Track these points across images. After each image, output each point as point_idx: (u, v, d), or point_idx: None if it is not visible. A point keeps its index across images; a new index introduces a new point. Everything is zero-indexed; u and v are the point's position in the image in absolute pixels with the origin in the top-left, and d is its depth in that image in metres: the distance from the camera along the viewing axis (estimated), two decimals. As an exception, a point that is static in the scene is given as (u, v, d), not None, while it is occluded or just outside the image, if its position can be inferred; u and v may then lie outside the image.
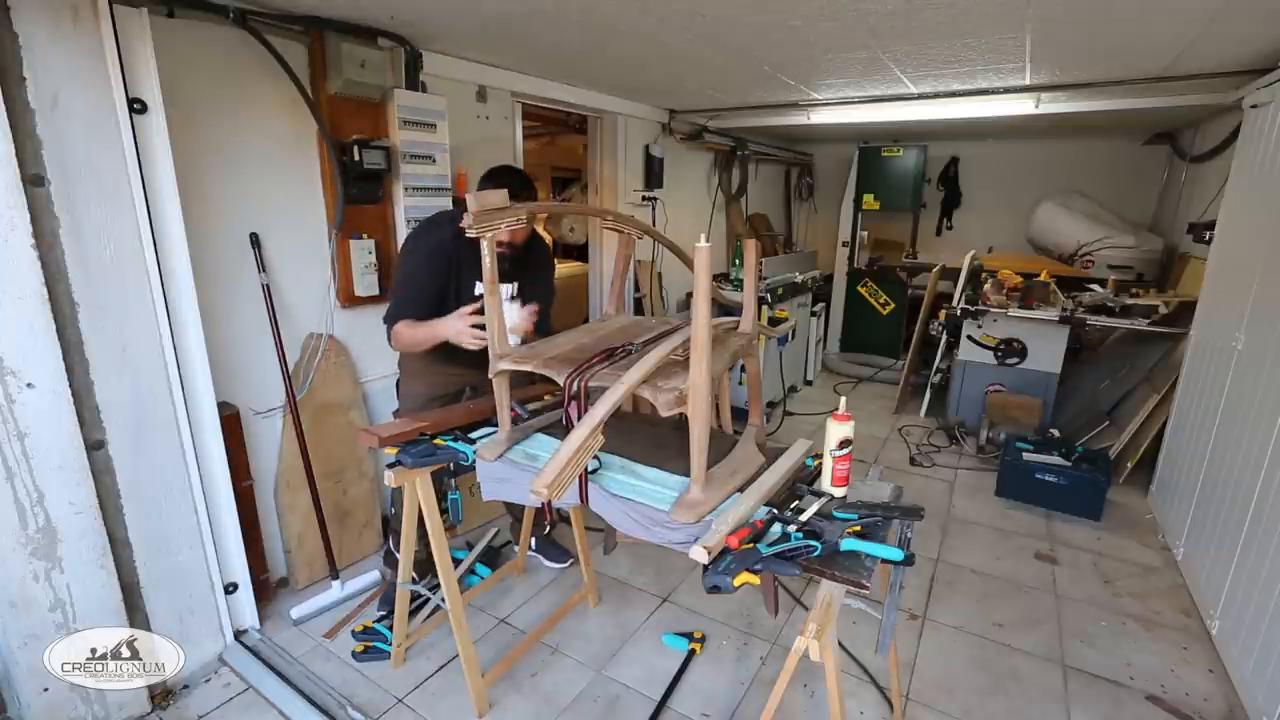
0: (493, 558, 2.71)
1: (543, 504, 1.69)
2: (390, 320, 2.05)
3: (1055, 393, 3.93)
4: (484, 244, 1.56)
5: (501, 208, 1.55)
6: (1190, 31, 2.19)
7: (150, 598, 1.94)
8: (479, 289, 2.08)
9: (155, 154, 1.82)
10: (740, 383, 3.66)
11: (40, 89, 1.56)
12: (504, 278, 2.04)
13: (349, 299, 2.52)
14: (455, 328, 1.90)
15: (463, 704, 1.96)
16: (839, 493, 1.54)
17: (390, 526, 2.40)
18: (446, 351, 2.10)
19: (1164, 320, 3.53)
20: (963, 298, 4.05)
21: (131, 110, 1.73)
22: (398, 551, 2.34)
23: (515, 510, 2.66)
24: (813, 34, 2.33)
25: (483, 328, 1.87)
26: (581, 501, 1.60)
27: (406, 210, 2.60)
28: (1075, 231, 4.85)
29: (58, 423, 1.65)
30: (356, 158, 2.37)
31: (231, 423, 2.18)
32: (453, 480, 2.03)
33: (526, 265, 2.22)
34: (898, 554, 1.27)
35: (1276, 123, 2.36)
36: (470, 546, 2.71)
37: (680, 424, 1.56)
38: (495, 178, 2.06)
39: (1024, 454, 3.34)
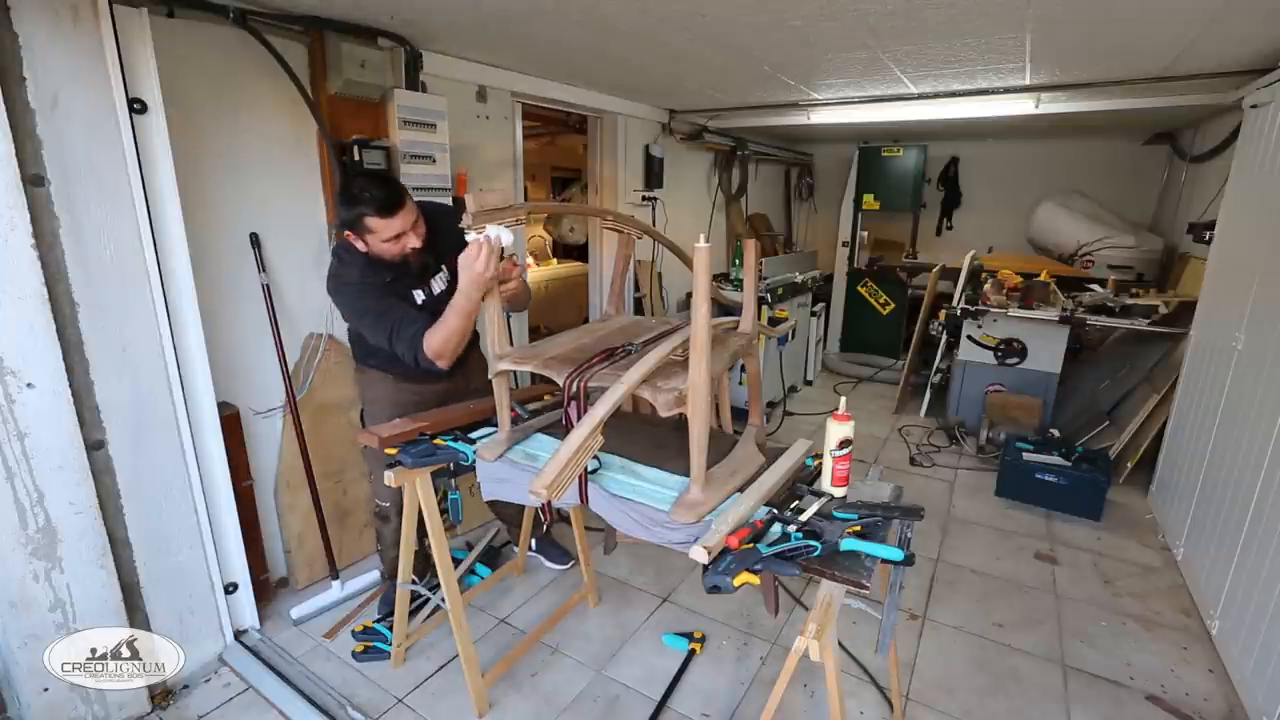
0: (493, 558, 2.71)
1: (542, 504, 1.69)
2: (410, 343, 1.80)
3: (1055, 393, 3.93)
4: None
5: (502, 208, 1.55)
6: (1190, 31, 2.19)
7: (150, 598, 1.94)
8: (419, 298, 1.97)
9: (155, 154, 1.82)
10: (740, 383, 3.66)
11: (40, 89, 1.56)
12: (430, 273, 1.98)
13: (349, 299, 2.52)
14: (476, 270, 1.58)
15: (463, 704, 1.96)
16: (839, 493, 1.54)
17: (379, 540, 2.35)
18: (407, 371, 1.98)
19: (1164, 320, 3.53)
20: (963, 298, 4.05)
21: (131, 110, 1.73)
22: (382, 556, 2.35)
23: (507, 516, 2.64)
24: (813, 34, 2.33)
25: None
26: (581, 501, 1.60)
27: (406, 210, 2.60)
28: (1075, 231, 4.86)
29: (58, 423, 1.65)
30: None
31: (231, 423, 2.18)
32: (453, 480, 2.03)
33: (444, 237, 1.94)
34: (898, 554, 1.27)
35: (1276, 123, 2.36)
36: (470, 546, 2.71)
37: (680, 424, 1.56)
38: (345, 194, 1.80)
39: (1024, 454, 3.34)
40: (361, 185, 1.79)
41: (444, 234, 1.95)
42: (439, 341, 1.76)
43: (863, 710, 1.99)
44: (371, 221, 1.78)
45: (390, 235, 1.81)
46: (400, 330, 1.82)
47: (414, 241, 1.86)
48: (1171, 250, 4.50)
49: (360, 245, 1.86)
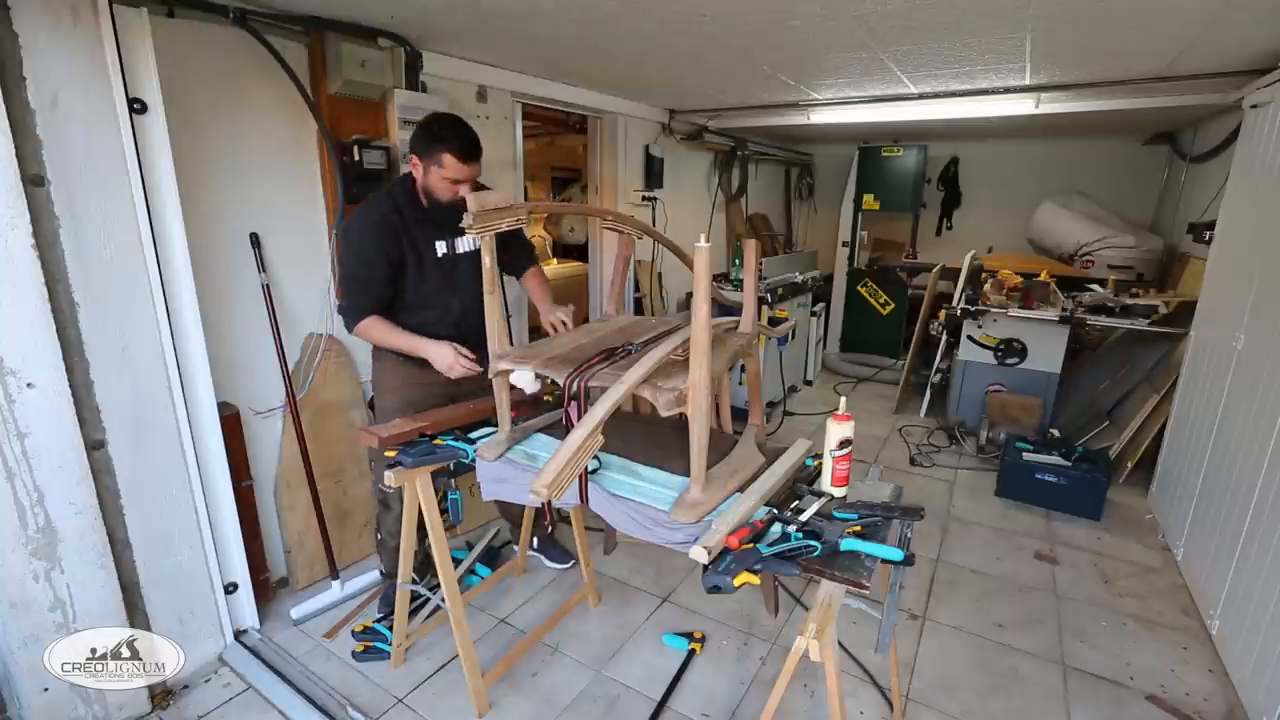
0: (493, 558, 2.71)
1: (543, 504, 1.69)
2: (353, 311, 1.99)
3: (1055, 393, 3.93)
4: (481, 243, 1.56)
5: (502, 208, 1.55)
6: (1190, 31, 2.19)
7: (150, 598, 1.94)
8: (440, 249, 2.05)
9: (155, 154, 1.82)
10: (740, 383, 3.66)
11: (40, 89, 1.56)
12: (461, 234, 2.06)
13: (349, 299, 2.52)
14: (445, 358, 1.94)
15: (463, 704, 1.96)
16: (839, 493, 1.54)
17: (378, 532, 2.37)
18: (424, 363, 2.04)
19: (1164, 320, 3.53)
20: (963, 298, 4.05)
21: (131, 110, 1.73)
22: (381, 549, 2.35)
23: (512, 515, 2.65)
24: (813, 34, 2.33)
25: (469, 358, 1.94)
26: (582, 501, 1.60)
27: (406, 210, 2.59)
28: (1075, 231, 4.86)
29: (58, 423, 1.65)
30: (356, 158, 2.37)
31: (231, 423, 2.18)
32: (453, 480, 2.03)
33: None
34: (898, 554, 1.27)
35: (1276, 123, 2.36)
36: (470, 546, 2.71)
37: (680, 424, 1.56)
38: (431, 128, 1.92)
39: (1024, 454, 3.34)
40: (451, 125, 1.93)
41: None
42: (374, 334, 2.02)
43: (863, 710, 1.99)
44: (446, 159, 1.90)
45: (454, 177, 1.94)
46: (355, 293, 2.00)
47: (466, 192, 1.90)
48: (1171, 250, 4.50)
49: (417, 173, 1.97)
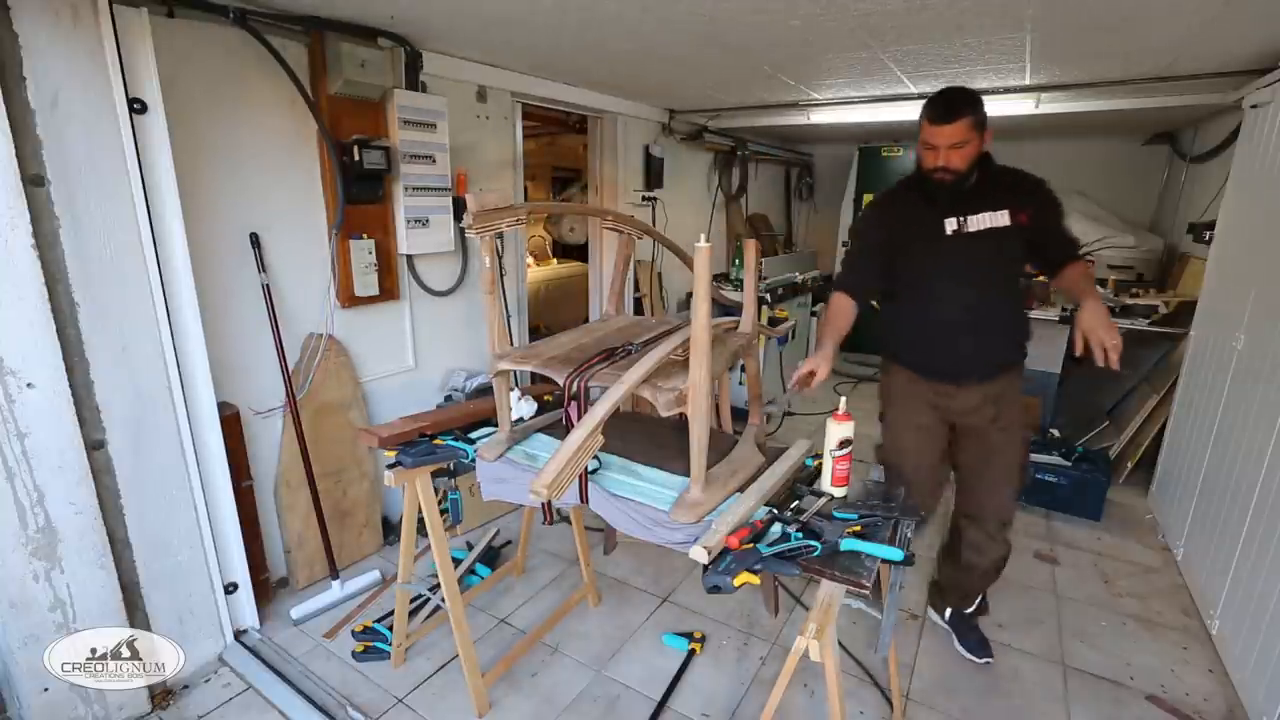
0: (493, 558, 2.71)
1: (543, 504, 1.70)
2: (836, 283, 2.02)
3: (1055, 393, 3.93)
4: (481, 243, 1.56)
5: (502, 208, 1.56)
6: (1190, 31, 2.19)
7: (150, 598, 1.94)
8: (949, 226, 1.86)
9: (155, 154, 1.83)
10: (740, 383, 3.66)
11: (40, 89, 1.56)
12: (971, 209, 1.86)
13: (349, 299, 2.52)
14: (803, 367, 1.78)
15: (463, 704, 1.96)
16: (839, 493, 1.54)
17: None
18: (926, 370, 2.01)
19: (1164, 320, 3.53)
20: (963, 298, 4.03)
21: (131, 110, 1.73)
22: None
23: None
24: (813, 34, 2.33)
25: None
26: (581, 501, 1.60)
27: (407, 210, 2.60)
28: (1075, 231, 4.84)
29: (58, 423, 1.65)
30: (356, 158, 2.36)
31: (231, 423, 2.18)
32: (453, 480, 2.03)
33: (1016, 193, 1.89)
34: (898, 554, 1.27)
35: (1276, 123, 2.36)
36: (470, 546, 2.71)
37: (680, 424, 1.57)
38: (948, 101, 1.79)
39: (1024, 454, 3.34)
40: (932, 97, 1.83)
41: (1018, 192, 1.91)
42: (826, 314, 2.00)
43: (863, 710, 1.99)
44: (923, 123, 1.82)
45: (929, 142, 1.81)
46: (844, 267, 2.06)
47: (946, 160, 1.79)
48: (1171, 250, 4.50)
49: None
